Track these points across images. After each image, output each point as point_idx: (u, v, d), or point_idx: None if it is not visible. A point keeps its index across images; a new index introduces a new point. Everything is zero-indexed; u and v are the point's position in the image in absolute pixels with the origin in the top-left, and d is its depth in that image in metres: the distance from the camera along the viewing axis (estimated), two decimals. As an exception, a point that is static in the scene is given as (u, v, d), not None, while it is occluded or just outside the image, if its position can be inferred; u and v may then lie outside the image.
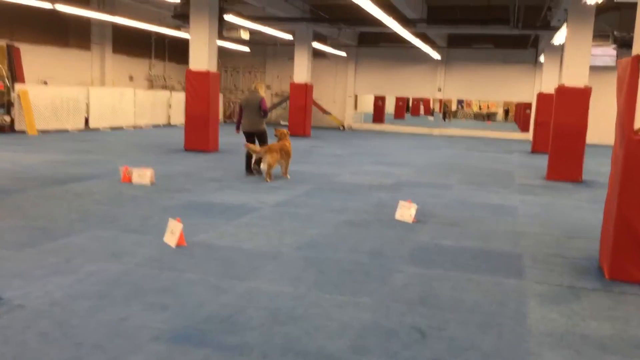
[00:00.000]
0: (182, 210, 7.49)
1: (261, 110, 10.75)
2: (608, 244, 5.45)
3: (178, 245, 5.75)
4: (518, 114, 40.28)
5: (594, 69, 12.63)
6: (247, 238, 6.23)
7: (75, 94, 18.64)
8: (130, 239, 5.95)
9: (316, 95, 25.73)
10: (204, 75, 14.21)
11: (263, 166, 10.29)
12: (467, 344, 3.79)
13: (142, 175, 9.40)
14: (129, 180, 9.40)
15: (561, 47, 18.45)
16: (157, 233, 6.15)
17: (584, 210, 8.89)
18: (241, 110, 10.89)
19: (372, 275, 5.13)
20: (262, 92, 11.02)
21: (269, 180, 10.10)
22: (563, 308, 4.57)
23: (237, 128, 11.10)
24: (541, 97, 19.29)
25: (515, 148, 20.82)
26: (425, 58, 25.27)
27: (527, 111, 27.21)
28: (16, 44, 18.10)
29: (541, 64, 22.22)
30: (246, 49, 26.95)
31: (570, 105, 12.07)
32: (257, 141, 10.83)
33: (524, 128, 28.42)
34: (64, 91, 18.31)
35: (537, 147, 18.97)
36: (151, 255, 5.41)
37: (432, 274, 5.27)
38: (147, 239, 5.97)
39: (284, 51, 26.72)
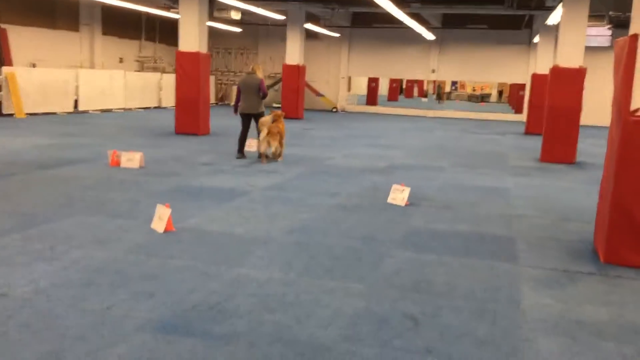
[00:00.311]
0: (172, 194, 7.37)
1: (260, 92, 10.58)
2: (603, 227, 5.37)
3: (166, 231, 5.63)
4: (512, 96, 40.15)
5: (588, 49, 12.50)
6: (237, 223, 6.12)
7: (64, 76, 18.36)
8: (117, 225, 5.83)
9: (309, 77, 25.47)
10: (194, 57, 13.98)
11: (268, 150, 10.32)
12: (461, 330, 3.72)
13: (131, 159, 9.25)
14: (118, 164, 9.25)
15: (556, 28, 18.27)
16: (145, 218, 6.03)
17: (578, 192, 8.82)
18: (239, 92, 10.69)
19: (364, 261, 5.04)
20: (260, 74, 10.81)
21: (280, 159, 10.43)
22: (558, 293, 4.49)
23: (235, 110, 10.87)
24: (535, 78, 19.16)
25: (509, 130, 20.73)
26: (419, 39, 25.02)
27: (521, 92, 27.08)
28: (3, 26, 17.77)
29: (535, 44, 22.06)
30: (238, 29, 26.61)
31: (564, 86, 11.96)
32: (254, 122, 10.74)
33: (518, 109, 28.30)
34: (53, 73, 18.03)
35: (530, 129, 18.89)
36: (138, 242, 5.29)
37: (425, 259, 5.18)
38: (135, 225, 5.85)
39: (277, 32, 26.39)
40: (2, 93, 16.07)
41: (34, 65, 18.92)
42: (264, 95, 10.67)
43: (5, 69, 16.31)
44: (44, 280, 4.24)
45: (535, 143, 14.87)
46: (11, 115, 16.23)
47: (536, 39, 21.50)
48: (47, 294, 4.00)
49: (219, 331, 3.55)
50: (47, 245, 5.04)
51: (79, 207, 6.47)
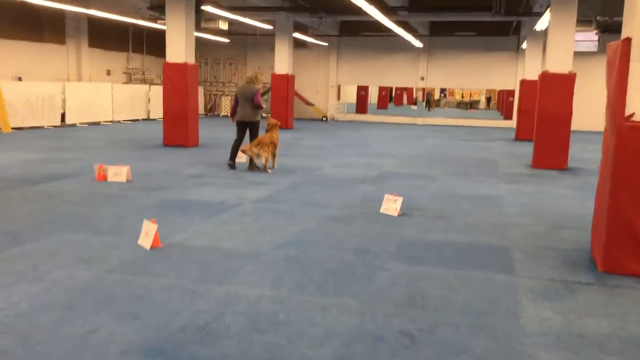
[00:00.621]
0: (159, 209, 7.20)
1: (254, 103, 10.42)
2: (600, 235, 5.27)
3: (153, 247, 5.47)
4: (500, 102, 40.29)
5: (576, 54, 12.47)
6: (226, 237, 5.97)
7: (51, 89, 18.15)
8: (103, 242, 5.66)
9: (298, 86, 25.39)
10: (182, 68, 13.84)
11: (258, 161, 10.31)
12: (459, 348, 3.58)
13: (118, 173, 9.08)
14: (105, 178, 9.08)
15: (544, 34, 18.34)
16: (132, 235, 5.87)
17: (571, 199, 8.74)
18: (237, 99, 10.58)
19: (357, 275, 4.90)
20: (259, 84, 10.55)
21: (269, 171, 10.29)
22: (557, 305, 4.37)
23: (232, 116, 10.73)
24: (524, 84, 19.16)
25: (499, 136, 20.72)
26: (407, 47, 25.04)
27: (510, 99, 27.14)
28: (-13, 39, 17.56)
29: (523, 51, 22.12)
30: (226, 40, 26.51)
31: (554, 91, 11.92)
32: (248, 131, 10.66)
33: (507, 116, 28.35)
34: (39, 87, 17.81)
35: (520, 135, 18.87)
36: (124, 259, 5.12)
37: (420, 271, 5.05)
38: (121, 241, 5.68)
39: (265, 42, 26.31)
40: (-14, 107, 15.83)
41: (19, 79, 18.71)
42: (257, 106, 10.48)
43: (-11, 83, 16.09)
44: (25, 303, 4.07)
45: (526, 149, 14.84)
46: (-4, 129, 15.99)
47: (524, 45, 21.56)
48: (27, 317, 3.82)
49: (208, 354, 3.40)
50: (30, 266, 4.86)
51: (64, 224, 6.29)
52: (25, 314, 3.88)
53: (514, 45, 24.47)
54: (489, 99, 49.78)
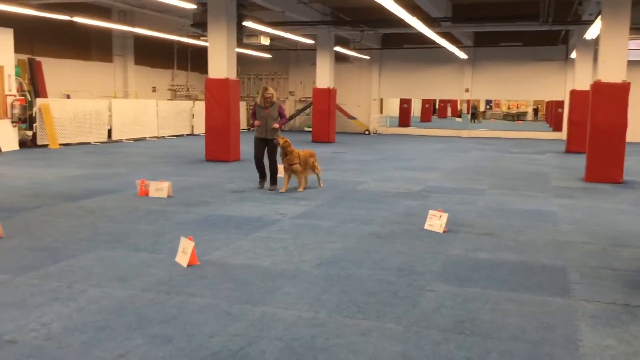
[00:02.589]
0: (198, 224, 7.09)
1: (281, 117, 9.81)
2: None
3: (190, 265, 5.33)
4: (549, 113, 39.26)
5: (628, 63, 11.89)
6: (264, 254, 5.79)
7: (98, 106, 18.52)
8: (140, 259, 5.55)
9: (340, 99, 25.26)
10: (223, 83, 13.87)
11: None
12: (513, 380, 3.27)
13: (160, 189, 9.05)
14: (146, 194, 9.07)
15: (594, 42, 17.69)
16: (169, 252, 5.75)
17: (629, 215, 8.23)
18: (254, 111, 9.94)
19: (400, 296, 4.63)
20: (259, 98, 9.72)
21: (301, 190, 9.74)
22: (620, 332, 4.00)
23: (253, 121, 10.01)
24: (574, 94, 18.51)
25: (548, 148, 20.04)
26: (451, 58, 24.62)
27: (559, 110, 26.35)
28: (37, 58, 18.09)
29: (572, 60, 21.39)
30: (268, 55, 26.67)
31: (608, 101, 11.39)
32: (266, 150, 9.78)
33: (556, 127, 27.52)
34: (87, 104, 18.21)
35: (571, 147, 18.20)
36: (160, 278, 4.99)
37: (468, 293, 4.73)
38: (158, 259, 5.57)
39: (307, 56, 26.34)
40: (36, 124, 16.24)
41: (68, 96, 19.18)
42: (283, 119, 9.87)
43: (39, 100, 16.53)
44: (57, 323, 3.96)
45: (578, 162, 14.25)
46: (45, 146, 16.38)
47: (573, 55, 20.88)
48: (58, 340, 3.70)
49: (240, 383, 3.19)
50: (65, 284, 4.78)
51: (102, 241, 6.24)
52: (56, 335, 3.77)
53: (562, 54, 23.75)
54: (536, 110, 48.61)
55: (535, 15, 16.21)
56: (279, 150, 9.59)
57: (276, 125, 9.61)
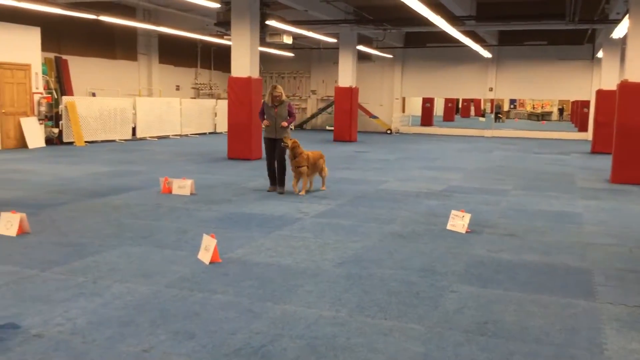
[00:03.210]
0: (220, 222, 7.14)
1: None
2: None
3: (212, 262, 5.37)
4: (574, 113, 38.73)
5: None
6: (286, 253, 5.81)
7: (123, 104, 18.74)
8: (163, 256, 5.61)
9: (362, 98, 25.21)
10: (246, 82, 13.93)
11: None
12: (536, 383, 3.24)
13: (183, 186, 9.13)
14: (169, 191, 9.16)
15: (621, 41, 17.40)
16: (192, 249, 5.81)
17: (657, 217, 8.08)
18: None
19: (422, 296, 4.61)
20: (267, 97, 9.36)
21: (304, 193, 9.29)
22: (646, 336, 3.93)
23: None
24: (601, 94, 18.22)
25: (573, 149, 19.76)
26: (475, 57, 24.40)
27: (585, 109, 25.96)
28: (64, 57, 18.37)
29: (599, 59, 21.06)
30: (290, 54, 26.72)
31: (635, 101, 11.19)
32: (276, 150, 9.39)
33: (582, 127, 27.13)
34: (112, 102, 18.43)
35: (597, 148, 17.91)
36: (183, 274, 5.04)
37: (491, 294, 4.69)
38: (181, 256, 5.62)
39: (329, 55, 26.35)
40: (62, 122, 16.50)
41: (93, 94, 19.44)
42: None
43: (65, 98, 16.78)
44: (82, 318, 4.02)
45: (604, 163, 14.03)
46: (71, 143, 16.63)
47: (600, 54, 20.56)
48: (83, 334, 3.76)
49: (262, 380, 3.21)
50: (90, 279, 4.85)
51: (127, 237, 6.32)
52: (81, 330, 3.83)
53: (588, 54, 23.40)
54: (561, 110, 47.96)
55: (561, 13, 15.99)
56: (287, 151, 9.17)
57: (285, 124, 9.20)
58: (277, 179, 9.45)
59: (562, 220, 7.67)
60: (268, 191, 9.46)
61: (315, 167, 9.41)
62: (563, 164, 14.95)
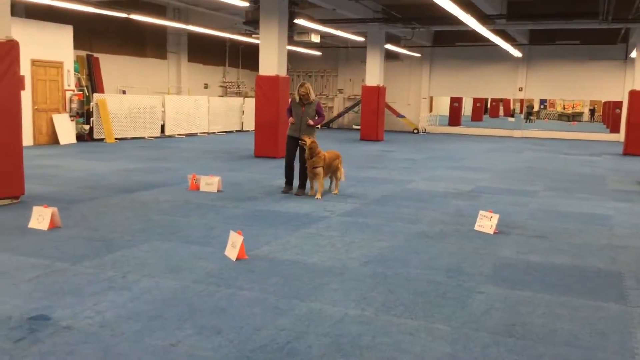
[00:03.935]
0: (247, 219, 7.19)
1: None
2: None
3: (239, 259, 5.41)
4: (606, 114, 37.99)
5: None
6: (312, 251, 5.82)
7: (152, 102, 18.97)
8: (191, 252, 5.67)
9: (389, 98, 25.10)
10: (273, 80, 13.99)
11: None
12: (565, 387, 3.19)
13: (210, 183, 9.21)
14: (197, 188, 9.24)
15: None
16: (219, 245, 5.85)
17: (691, 220, 7.88)
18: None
19: (448, 297, 4.57)
20: (295, 96, 9.19)
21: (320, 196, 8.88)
22: (680, 342, 3.84)
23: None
24: (634, 95, 17.84)
25: (605, 150, 19.39)
26: (505, 56, 24.10)
27: (617, 110, 25.44)
28: (95, 55, 18.67)
29: (632, 59, 20.61)
30: (318, 52, 26.74)
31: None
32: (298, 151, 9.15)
33: (614, 128, 26.58)
34: (141, 100, 18.67)
35: (630, 149, 17.56)
36: (210, 270, 5.09)
37: (519, 296, 4.63)
38: (208, 252, 5.67)
39: (357, 54, 26.30)
40: (93, 119, 16.79)
41: (123, 92, 19.73)
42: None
43: (96, 95, 17.06)
44: (111, 311, 4.09)
45: (636, 165, 13.76)
46: (102, 140, 16.90)
47: (633, 54, 20.12)
48: (112, 327, 3.82)
49: (287, 377, 3.22)
50: (119, 273, 4.93)
51: (156, 232, 6.40)
52: (110, 323, 3.89)
53: (621, 53, 22.92)
54: (592, 111, 47.10)
55: (594, 12, 15.68)
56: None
57: (311, 122, 8.98)
58: (299, 180, 9.19)
59: (593, 223, 7.53)
60: (282, 192, 9.18)
61: (329, 167, 8.99)
62: (594, 165, 14.68)
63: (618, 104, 24.97)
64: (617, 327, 4.05)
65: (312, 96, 9.09)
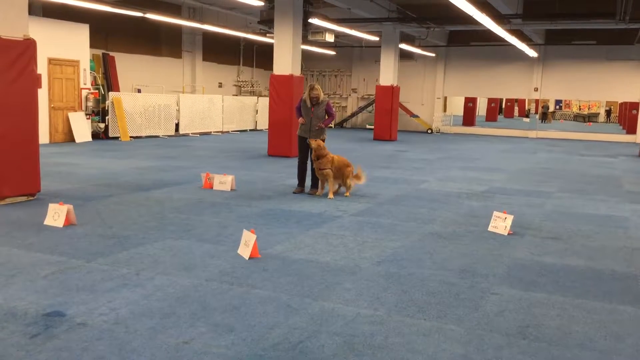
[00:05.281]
0: (260, 218, 7.21)
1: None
2: None
3: (251, 258, 5.43)
4: (622, 115, 37.59)
5: None
6: (324, 250, 5.82)
7: (167, 100, 19.09)
8: (204, 250, 5.70)
9: (403, 97, 25.04)
10: (287, 79, 14.01)
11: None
12: (579, 390, 3.16)
13: (223, 182, 9.25)
14: (210, 186, 9.29)
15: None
16: (232, 244, 5.88)
17: None
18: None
19: (462, 298, 4.55)
20: (305, 96, 9.08)
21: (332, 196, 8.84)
22: (697, 346, 3.79)
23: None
24: (651, 95, 17.62)
25: (621, 151, 19.19)
26: (520, 56, 23.94)
27: (634, 111, 25.16)
28: (111, 53, 18.81)
29: (650, 59, 20.40)
30: (332, 52, 26.73)
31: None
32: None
33: (630, 130, 26.29)
34: (156, 98, 18.79)
35: (646, 151, 17.35)
36: (223, 269, 5.11)
37: (533, 298, 4.60)
38: (221, 250, 5.69)
39: (371, 53, 26.27)
40: (108, 117, 16.92)
41: (139, 91, 19.86)
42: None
43: (112, 94, 17.20)
44: (125, 308, 4.12)
45: (654, 166, 13.58)
46: (117, 138, 17.03)
47: (652, 54, 19.89)
48: (126, 324, 3.85)
49: (299, 376, 3.23)
50: (133, 271, 4.96)
51: (170, 230, 6.43)
52: (124, 320, 3.92)
53: (638, 54, 22.66)
54: (609, 112, 46.63)
55: (611, 12, 15.53)
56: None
57: (321, 125, 8.93)
58: (312, 180, 9.19)
59: (609, 224, 7.46)
60: (294, 192, 9.14)
61: (338, 171, 8.86)
62: (610, 166, 14.54)
63: (634, 105, 24.70)
64: (632, 330, 4.01)
65: (322, 96, 9.06)
